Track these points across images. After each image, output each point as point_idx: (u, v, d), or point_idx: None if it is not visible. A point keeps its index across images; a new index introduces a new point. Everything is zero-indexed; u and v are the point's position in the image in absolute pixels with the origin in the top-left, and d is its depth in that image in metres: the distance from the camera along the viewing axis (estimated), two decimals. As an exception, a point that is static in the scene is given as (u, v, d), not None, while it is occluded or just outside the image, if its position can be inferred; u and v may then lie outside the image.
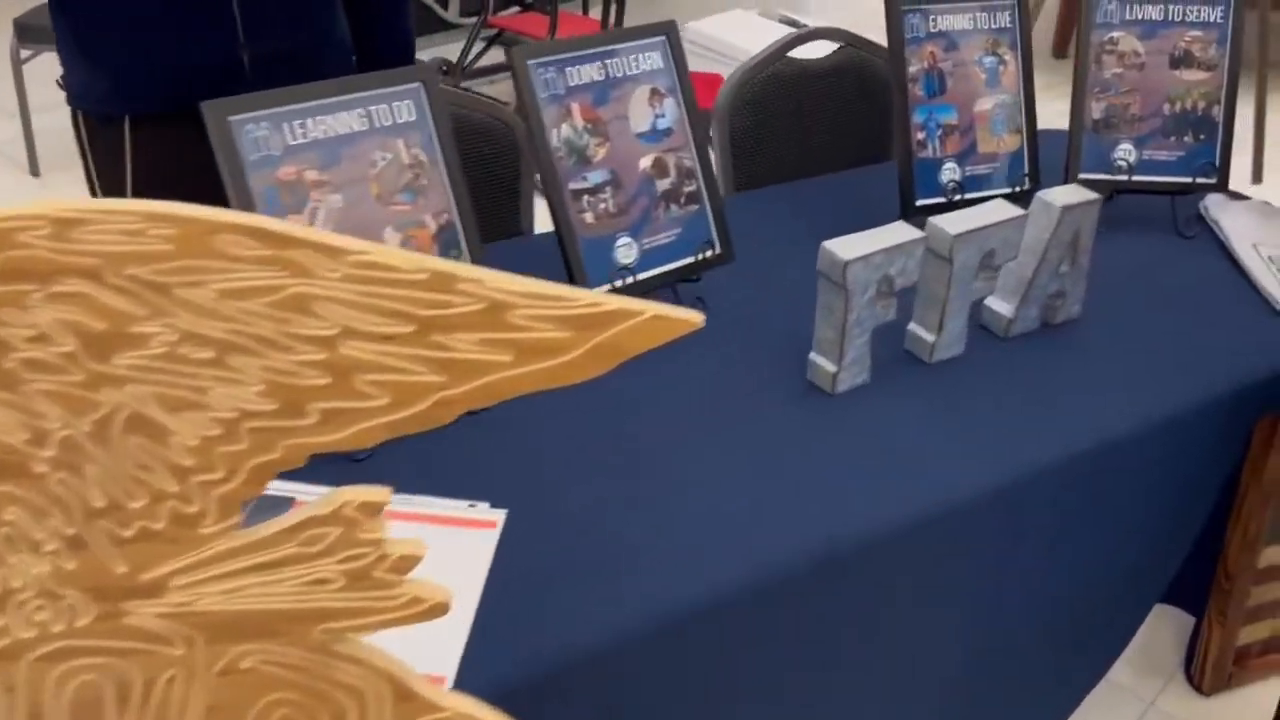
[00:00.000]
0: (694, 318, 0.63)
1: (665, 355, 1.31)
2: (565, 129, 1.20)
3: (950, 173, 1.48)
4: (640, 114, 1.26)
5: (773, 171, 1.73)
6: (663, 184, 1.28)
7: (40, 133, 3.33)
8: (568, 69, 1.20)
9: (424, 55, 4.35)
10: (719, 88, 1.75)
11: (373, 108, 1.06)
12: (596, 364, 0.63)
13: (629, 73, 1.25)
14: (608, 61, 1.23)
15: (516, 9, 4.32)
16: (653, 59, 1.27)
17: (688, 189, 1.30)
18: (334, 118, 1.03)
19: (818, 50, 1.78)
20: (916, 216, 1.45)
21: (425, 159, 1.09)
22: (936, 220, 1.19)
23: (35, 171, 3.39)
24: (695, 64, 4.08)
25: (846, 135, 1.82)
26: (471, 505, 1.01)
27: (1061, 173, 1.56)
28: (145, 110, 1.45)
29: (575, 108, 1.21)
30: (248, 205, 0.97)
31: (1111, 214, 1.57)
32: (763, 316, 1.34)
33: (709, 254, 1.31)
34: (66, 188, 3.13)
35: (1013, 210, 1.22)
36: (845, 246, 1.13)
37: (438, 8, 4.26)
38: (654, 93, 1.27)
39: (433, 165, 1.10)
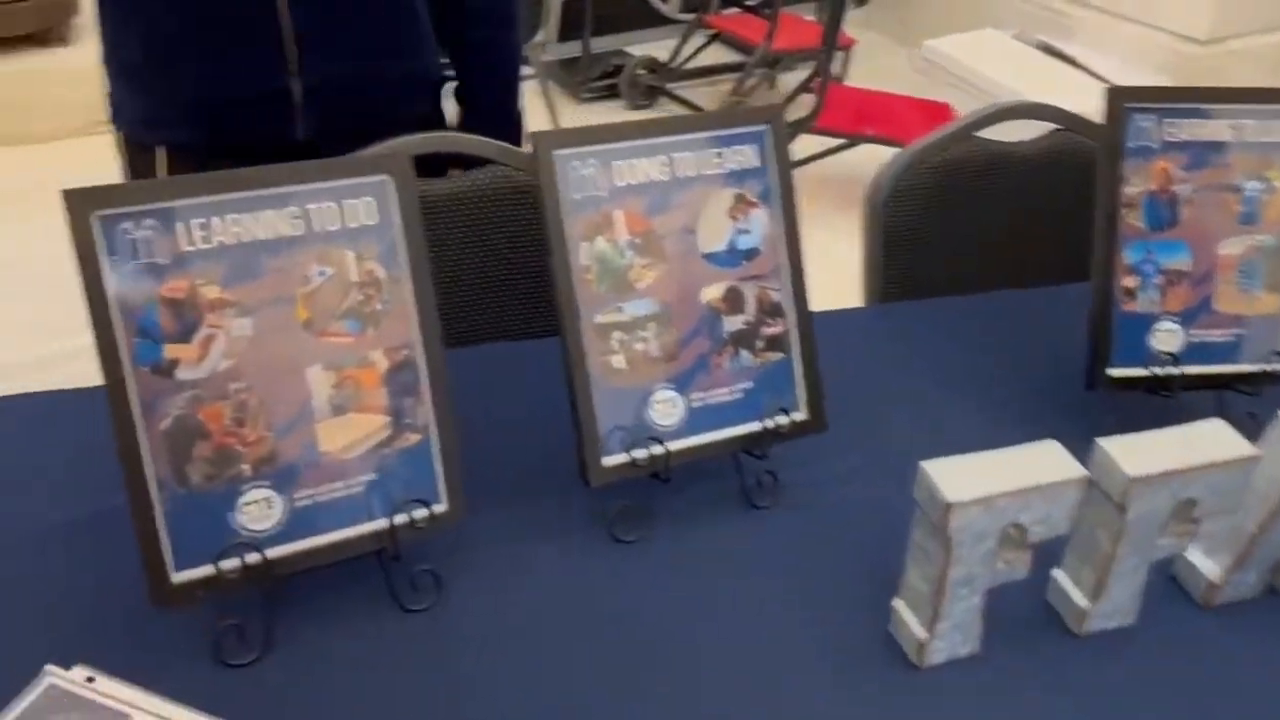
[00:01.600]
0: None
1: (693, 567, 0.94)
2: (600, 243, 0.89)
3: (1167, 337, 1.06)
4: (714, 227, 0.93)
5: (938, 281, 1.34)
6: (733, 322, 0.94)
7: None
8: (615, 163, 0.89)
9: (634, 51, 4.10)
10: (940, 121, 1.37)
11: (313, 206, 0.78)
12: None
13: (705, 171, 0.92)
14: (675, 156, 0.91)
15: (737, 10, 3.99)
16: (744, 154, 0.93)
17: (769, 330, 0.96)
18: (254, 217, 0.76)
19: (1025, 130, 1.38)
20: (1107, 389, 1.05)
21: (384, 275, 0.81)
22: (1109, 447, 0.80)
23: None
24: (923, 89, 3.63)
25: (1050, 244, 1.40)
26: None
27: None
28: (177, 142, 1.26)
29: (620, 215, 0.89)
30: (106, 331, 0.72)
31: None
32: (861, 509, 0.98)
33: (786, 423, 0.96)
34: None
35: (1237, 445, 0.81)
36: (955, 476, 0.76)
37: (657, 2, 3.99)
38: (739, 199, 0.94)
39: (394, 284, 0.81)
